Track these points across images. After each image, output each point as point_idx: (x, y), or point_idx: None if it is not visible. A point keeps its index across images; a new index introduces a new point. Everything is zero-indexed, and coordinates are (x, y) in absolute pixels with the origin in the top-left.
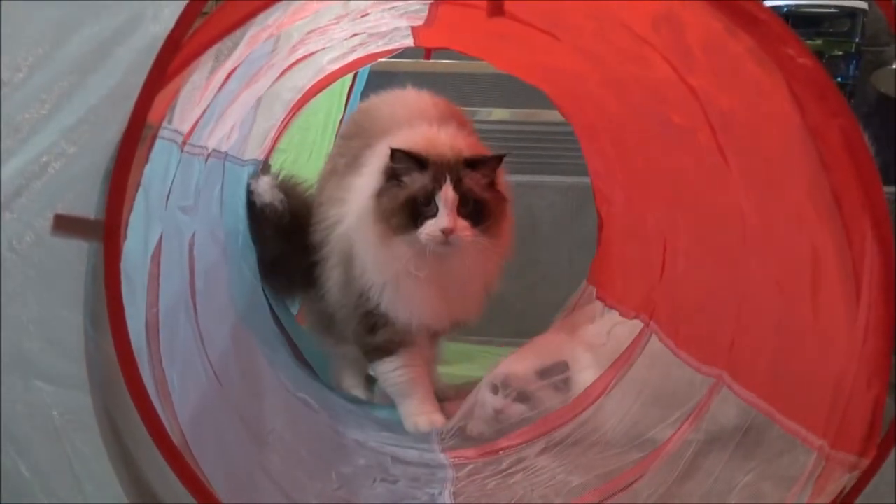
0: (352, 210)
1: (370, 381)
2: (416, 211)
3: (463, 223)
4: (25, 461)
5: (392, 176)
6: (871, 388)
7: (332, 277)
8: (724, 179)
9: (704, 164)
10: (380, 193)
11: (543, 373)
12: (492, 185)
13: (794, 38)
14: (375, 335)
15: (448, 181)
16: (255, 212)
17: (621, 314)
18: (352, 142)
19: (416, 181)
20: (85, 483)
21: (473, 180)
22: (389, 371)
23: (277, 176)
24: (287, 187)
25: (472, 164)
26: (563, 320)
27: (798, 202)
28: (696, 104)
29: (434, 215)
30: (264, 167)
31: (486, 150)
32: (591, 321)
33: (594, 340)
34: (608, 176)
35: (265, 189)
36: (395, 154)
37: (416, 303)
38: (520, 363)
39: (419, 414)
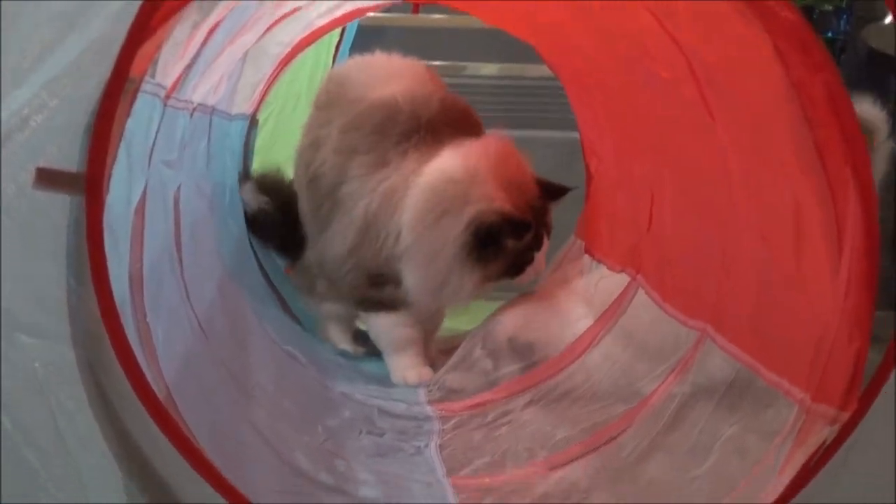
0: (412, 242)
1: (358, 336)
2: (516, 264)
3: None
4: (8, 415)
5: (489, 236)
6: (853, 341)
7: (338, 242)
8: (709, 133)
9: (690, 117)
10: (483, 261)
11: (513, 341)
12: None
13: None
14: (382, 290)
15: (545, 235)
16: (250, 221)
17: (608, 268)
18: (328, 112)
19: (520, 244)
20: (68, 437)
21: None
22: (387, 326)
23: (256, 179)
24: (267, 186)
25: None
26: (553, 274)
27: (781, 156)
28: (680, 57)
29: (531, 260)
30: (245, 174)
31: (467, 105)
32: (581, 275)
33: (583, 294)
34: (597, 129)
35: (250, 198)
36: (499, 221)
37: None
38: (511, 322)
39: (409, 367)
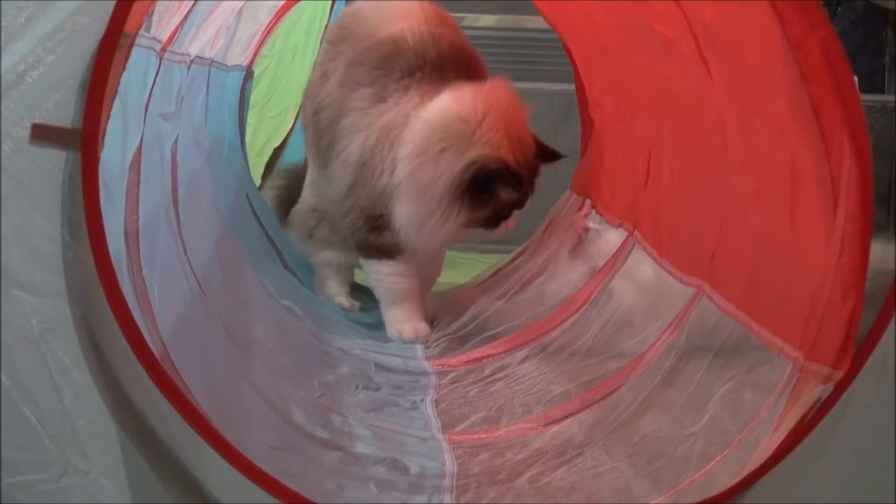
0: (405, 179)
1: (354, 290)
2: (497, 216)
3: None
4: (5, 370)
5: (485, 183)
6: (847, 300)
7: (337, 178)
8: (707, 90)
9: (688, 74)
10: (472, 204)
11: None
12: None
13: None
14: (380, 235)
15: (530, 193)
16: None
17: (607, 221)
18: (340, 46)
19: (509, 196)
20: (64, 392)
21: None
22: (385, 274)
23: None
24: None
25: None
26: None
27: (778, 114)
28: (679, 14)
29: (508, 216)
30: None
31: (475, 52)
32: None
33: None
34: (599, 84)
35: None
36: (500, 169)
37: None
38: None
39: (405, 321)
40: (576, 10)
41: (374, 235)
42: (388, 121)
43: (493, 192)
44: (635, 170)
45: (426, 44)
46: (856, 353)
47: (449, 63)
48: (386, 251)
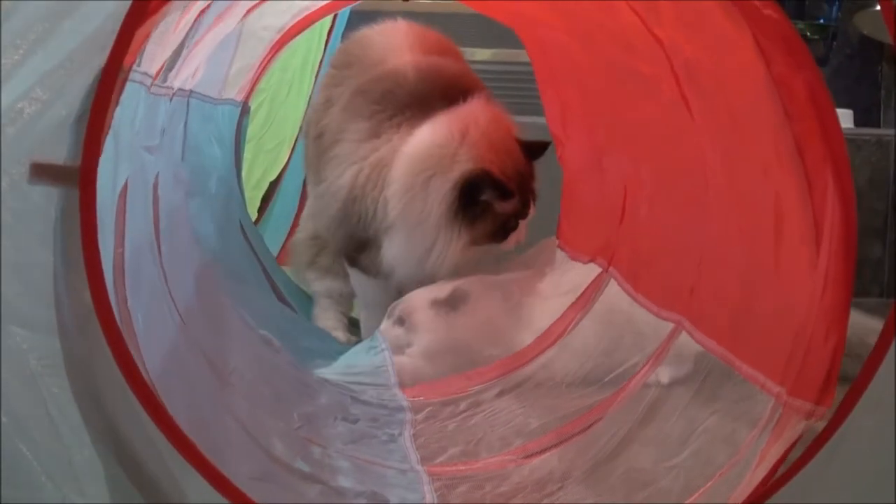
0: (399, 205)
1: (352, 324)
2: (501, 229)
3: None
4: (2, 406)
5: (471, 195)
6: (830, 338)
7: (326, 205)
8: (689, 128)
9: (669, 113)
10: (468, 220)
11: (436, 303)
12: None
13: None
14: (361, 254)
15: (531, 203)
16: None
17: (571, 258)
18: (346, 71)
19: (504, 208)
20: (61, 427)
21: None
22: (362, 282)
23: None
24: None
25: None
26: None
27: (762, 153)
28: (661, 54)
29: (515, 227)
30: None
31: (479, 79)
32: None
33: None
34: (565, 121)
35: None
36: (483, 178)
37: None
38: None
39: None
40: (554, 49)
41: (356, 253)
42: (380, 157)
43: (484, 202)
44: (609, 207)
45: (425, 80)
46: (850, 387)
47: (439, 97)
48: (363, 268)
